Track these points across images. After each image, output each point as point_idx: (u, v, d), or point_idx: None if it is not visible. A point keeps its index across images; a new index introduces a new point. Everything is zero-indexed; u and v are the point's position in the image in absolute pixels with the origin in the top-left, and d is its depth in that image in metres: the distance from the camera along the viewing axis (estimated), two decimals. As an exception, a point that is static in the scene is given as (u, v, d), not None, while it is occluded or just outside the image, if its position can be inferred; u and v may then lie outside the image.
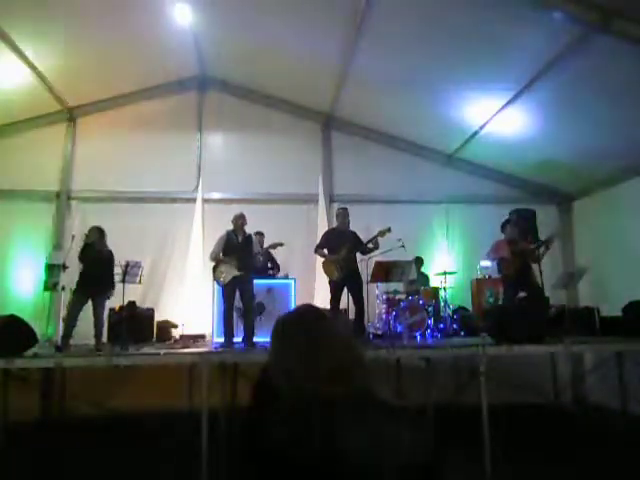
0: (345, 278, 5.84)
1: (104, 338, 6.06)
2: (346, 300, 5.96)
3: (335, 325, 1.27)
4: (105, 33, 6.31)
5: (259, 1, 5.96)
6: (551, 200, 8.21)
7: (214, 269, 5.81)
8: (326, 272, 6.03)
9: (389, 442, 1.06)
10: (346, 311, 6.03)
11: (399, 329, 6.29)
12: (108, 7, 5.85)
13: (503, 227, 6.37)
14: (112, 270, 5.74)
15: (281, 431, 1.10)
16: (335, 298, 5.87)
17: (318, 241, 6.38)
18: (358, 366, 1.21)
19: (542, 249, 6.06)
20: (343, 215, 6.20)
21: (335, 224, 6.85)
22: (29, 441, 5.16)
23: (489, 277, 7.34)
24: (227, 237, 5.84)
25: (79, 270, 5.74)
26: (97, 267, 5.64)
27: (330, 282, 5.98)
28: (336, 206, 7.94)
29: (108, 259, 5.77)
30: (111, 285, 5.73)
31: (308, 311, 1.32)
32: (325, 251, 6.07)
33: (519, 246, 6.17)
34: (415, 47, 5.89)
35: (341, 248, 5.88)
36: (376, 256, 6.25)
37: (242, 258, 5.70)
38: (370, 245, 5.96)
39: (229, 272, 5.67)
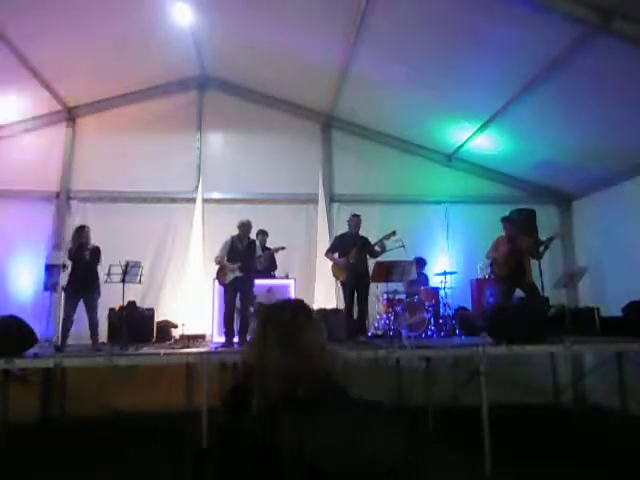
0: (355, 279, 5.95)
1: (104, 338, 6.08)
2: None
3: (313, 324, 1.26)
4: (105, 33, 6.30)
5: (259, 1, 5.96)
6: (551, 200, 8.20)
7: (218, 272, 5.94)
8: (334, 274, 6.21)
9: (360, 444, 1.05)
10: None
11: (399, 329, 6.29)
12: (108, 7, 5.84)
13: (503, 221, 6.39)
14: (97, 269, 5.75)
15: (251, 431, 1.10)
16: (348, 298, 5.99)
17: (329, 245, 6.51)
18: (330, 366, 1.21)
19: (542, 248, 6.08)
20: (355, 223, 6.26)
21: (335, 224, 6.90)
22: (29, 441, 5.17)
23: (489, 277, 7.33)
24: (231, 242, 5.96)
25: (69, 270, 5.74)
26: (86, 267, 5.66)
27: (342, 284, 6.13)
28: (336, 206, 8.00)
29: (96, 257, 5.79)
30: (98, 284, 5.74)
31: (288, 304, 1.33)
32: (336, 255, 6.19)
33: (519, 243, 6.16)
34: (415, 47, 5.89)
35: (351, 251, 6.00)
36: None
37: (245, 263, 5.84)
38: (377, 248, 6.07)
39: (231, 273, 5.81)
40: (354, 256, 5.96)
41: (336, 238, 6.54)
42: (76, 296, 5.63)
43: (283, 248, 6.41)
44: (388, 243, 6.09)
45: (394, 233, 6.03)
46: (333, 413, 1.10)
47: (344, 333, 5.53)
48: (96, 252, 5.80)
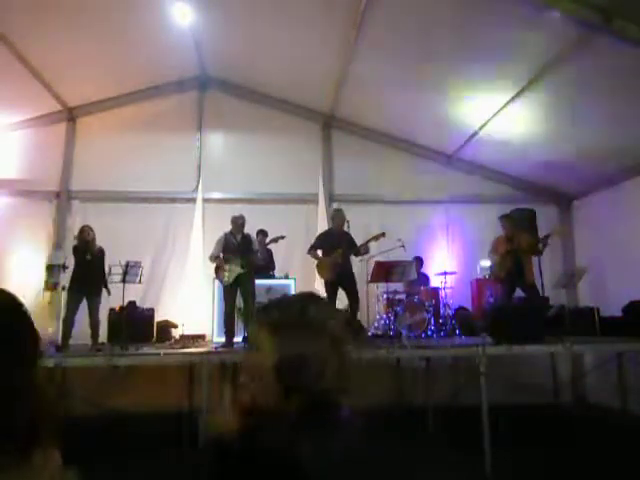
0: (339, 278, 5.90)
1: (104, 338, 6.08)
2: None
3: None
4: (105, 33, 6.31)
5: (259, 1, 5.96)
6: (551, 200, 8.21)
7: (216, 269, 5.81)
8: (319, 273, 6.11)
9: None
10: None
11: (399, 329, 6.29)
12: (108, 7, 5.85)
13: (500, 220, 6.38)
14: (104, 269, 5.75)
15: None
16: (330, 299, 5.89)
17: (312, 242, 6.38)
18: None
19: (540, 245, 6.07)
20: (339, 217, 6.15)
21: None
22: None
23: (489, 277, 7.33)
24: (225, 239, 5.85)
25: (73, 269, 5.74)
26: (92, 266, 5.66)
27: (325, 283, 6.04)
28: (336, 206, 7.96)
29: (101, 258, 5.79)
30: (103, 284, 5.74)
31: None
32: (319, 252, 6.11)
33: (517, 241, 6.14)
34: (415, 47, 5.89)
35: (335, 250, 5.92)
36: (376, 256, 6.26)
37: (244, 257, 5.70)
38: (362, 249, 6.02)
39: (233, 271, 5.66)
40: (340, 256, 5.86)
41: (320, 235, 6.39)
42: (79, 296, 5.64)
43: (283, 237, 6.14)
44: (384, 241, 6.07)
45: (383, 234, 6.03)
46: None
47: None
48: (100, 253, 5.82)
